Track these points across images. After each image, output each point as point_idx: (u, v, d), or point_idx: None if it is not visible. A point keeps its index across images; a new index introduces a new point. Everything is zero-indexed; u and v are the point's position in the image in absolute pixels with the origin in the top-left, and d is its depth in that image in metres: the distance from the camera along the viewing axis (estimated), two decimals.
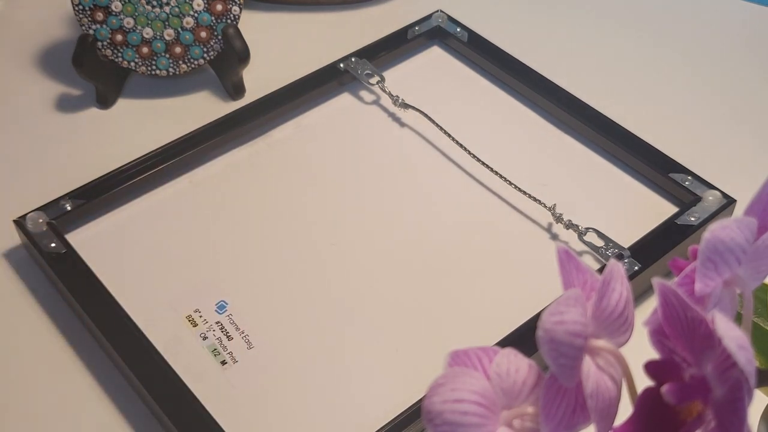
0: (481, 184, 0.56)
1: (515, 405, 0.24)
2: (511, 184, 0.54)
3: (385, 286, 0.51)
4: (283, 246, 0.53)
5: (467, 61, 0.65)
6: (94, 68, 0.60)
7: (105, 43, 0.60)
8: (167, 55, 0.61)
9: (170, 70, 0.61)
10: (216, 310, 0.49)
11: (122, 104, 0.63)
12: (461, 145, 0.57)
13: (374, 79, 0.62)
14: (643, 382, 0.25)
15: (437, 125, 0.58)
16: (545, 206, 0.53)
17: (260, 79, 0.63)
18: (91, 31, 0.59)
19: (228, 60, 0.61)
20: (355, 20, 0.70)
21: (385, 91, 0.61)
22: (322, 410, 0.45)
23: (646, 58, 0.67)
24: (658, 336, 0.24)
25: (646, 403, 0.24)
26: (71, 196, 0.53)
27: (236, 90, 0.63)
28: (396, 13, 0.69)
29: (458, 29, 0.65)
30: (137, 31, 0.60)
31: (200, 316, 0.49)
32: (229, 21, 0.60)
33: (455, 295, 0.50)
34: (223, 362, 0.47)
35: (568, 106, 0.59)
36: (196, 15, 0.60)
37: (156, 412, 0.44)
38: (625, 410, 0.25)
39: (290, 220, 0.54)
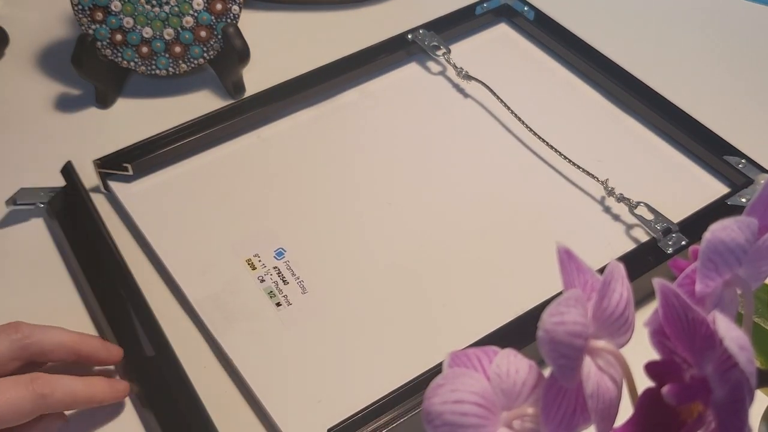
0: (538, 156, 0.58)
1: (515, 406, 0.24)
2: (565, 158, 0.56)
3: (437, 246, 0.52)
4: (341, 203, 0.55)
5: (533, 39, 0.67)
6: (93, 68, 0.60)
7: (104, 42, 0.60)
8: (167, 55, 0.61)
9: (170, 69, 0.61)
10: (275, 256, 0.51)
11: (122, 104, 0.63)
12: (519, 118, 0.59)
13: (440, 51, 0.64)
14: (643, 382, 0.25)
15: (498, 97, 0.60)
16: (598, 180, 0.54)
17: (260, 78, 0.63)
18: (90, 31, 0.59)
19: (228, 59, 0.61)
20: (353, 20, 0.70)
21: (450, 62, 0.63)
22: (363, 355, 0.47)
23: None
24: (658, 336, 0.24)
25: (647, 403, 0.24)
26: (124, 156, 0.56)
27: (236, 89, 0.63)
28: None
29: (525, 8, 0.67)
30: (137, 30, 0.60)
31: (259, 261, 0.51)
32: (228, 20, 0.60)
33: (505, 259, 0.52)
34: (278, 304, 0.49)
35: (628, 86, 0.61)
36: (195, 14, 0.60)
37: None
38: (626, 411, 0.25)
39: (350, 180, 0.57)
